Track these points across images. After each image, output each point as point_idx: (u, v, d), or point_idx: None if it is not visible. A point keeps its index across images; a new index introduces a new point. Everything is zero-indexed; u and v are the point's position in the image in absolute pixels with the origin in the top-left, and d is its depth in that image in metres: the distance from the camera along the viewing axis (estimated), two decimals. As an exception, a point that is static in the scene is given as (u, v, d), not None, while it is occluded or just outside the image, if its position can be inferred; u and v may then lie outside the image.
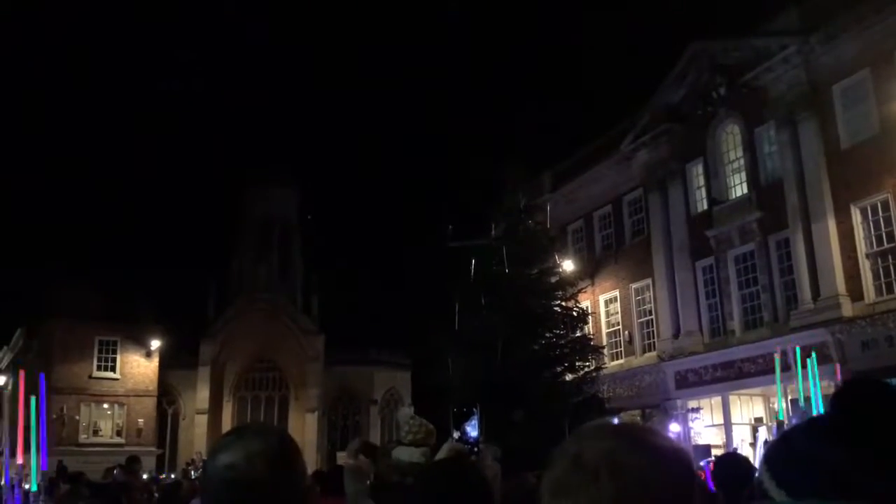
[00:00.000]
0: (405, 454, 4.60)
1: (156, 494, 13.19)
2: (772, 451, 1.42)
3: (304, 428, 50.50)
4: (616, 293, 27.76)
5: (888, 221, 18.68)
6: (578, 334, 18.25)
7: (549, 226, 19.34)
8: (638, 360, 26.26)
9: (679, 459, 1.21)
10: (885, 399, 1.33)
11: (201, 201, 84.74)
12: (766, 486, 1.37)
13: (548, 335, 17.41)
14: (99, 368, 41.74)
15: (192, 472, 22.91)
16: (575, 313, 18.36)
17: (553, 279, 18.09)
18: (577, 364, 17.53)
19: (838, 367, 18.27)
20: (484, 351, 17.24)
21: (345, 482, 4.11)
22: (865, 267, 19.11)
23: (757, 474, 1.41)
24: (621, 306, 27.52)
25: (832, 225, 19.70)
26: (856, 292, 19.16)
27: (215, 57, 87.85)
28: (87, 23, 76.24)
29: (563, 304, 18.13)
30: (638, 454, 1.17)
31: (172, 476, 29.68)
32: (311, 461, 45.45)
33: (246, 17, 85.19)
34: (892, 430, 1.29)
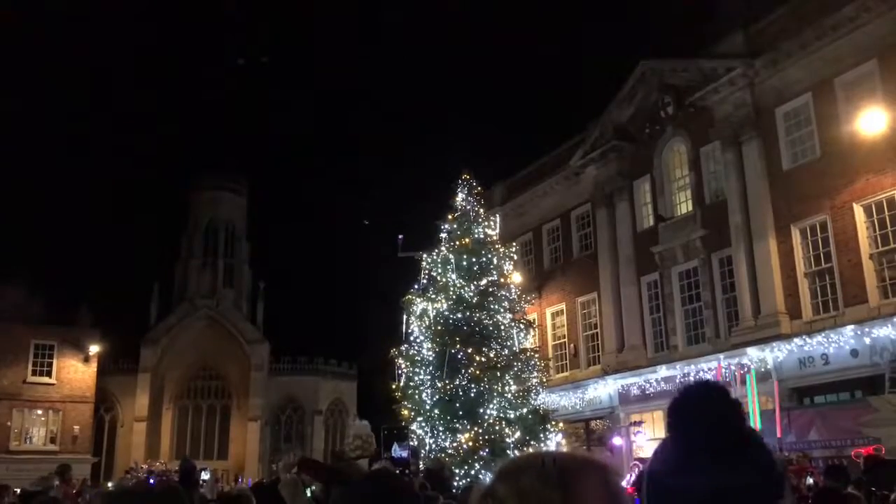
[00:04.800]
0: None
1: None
2: (637, 478, 1.44)
3: (247, 437, 49.77)
4: (562, 306, 28.01)
5: (826, 242, 19.22)
6: (525, 346, 18.30)
7: (498, 238, 19.39)
8: (583, 373, 26.49)
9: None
10: (703, 403, 1.35)
11: (146, 204, 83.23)
12: None
13: (495, 347, 17.43)
14: (34, 373, 40.49)
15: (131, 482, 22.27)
16: (522, 325, 18.43)
17: (502, 291, 18.14)
18: (522, 376, 17.58)
19: (776, 383, 18.76)
20: (431, 362, 17.19)
21: (286, 496, 4.04)
22: (804, 286, 19.62)
23: None
24: (567, 319, 27.78)
25: (773, 244, 20.19)
26: (794, 310, 19.64)
27: (165, 59, 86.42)
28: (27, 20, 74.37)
29: (511, 315, 18.19)
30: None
31: (109, 485, 28.88)
32: (253, 471, 44.76)
33: (202, 22, 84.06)
34: (705, 431, 1.32)
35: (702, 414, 1.33)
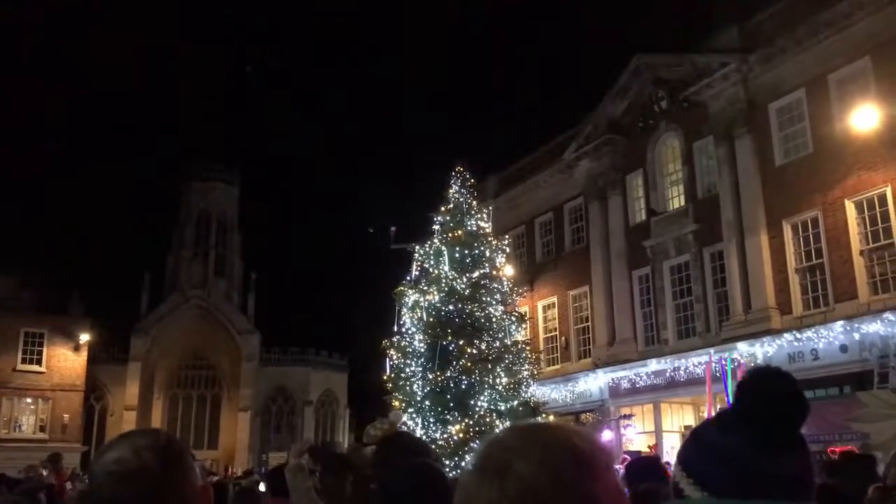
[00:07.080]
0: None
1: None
2: (684, 448, 1.44)
3: (237, 427, 49.77)
4: (554, 299, 28.06)
5: (817, 238, 19.29)
6: (516, 339, 18.31)
7: (491, 230, 19.39)
8: (573, 366, 26.56)
9: (575, 461, 1.12)
10: (779, 386, 1.37)
11: (137, 193, 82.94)
12: (682, 484, 1.38)
13: (487, 339, 17.43)
14: (24, 361, 40.34)
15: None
16: (514, 318, 18.44)
17: (494, 283, 18.14)
18: (514, 368, 17.60)
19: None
20: (422, 354, 17.20)
21: (288, 480, 4.04)
22: (795, 281, 19.70)
23: (672, 475, 1.42)
24: (559, 312, 27.83)
25: (764, 239, 20.25)
26: (785, 305, 19.73)
27: (151, 49, 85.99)
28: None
29: (503, 308, 18.20)
30: (528, 457, 1.10)
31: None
32: (243, 460, 44.79)
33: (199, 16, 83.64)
34: (785, 416, 1.35)
35: (790, 404, 1.36)
